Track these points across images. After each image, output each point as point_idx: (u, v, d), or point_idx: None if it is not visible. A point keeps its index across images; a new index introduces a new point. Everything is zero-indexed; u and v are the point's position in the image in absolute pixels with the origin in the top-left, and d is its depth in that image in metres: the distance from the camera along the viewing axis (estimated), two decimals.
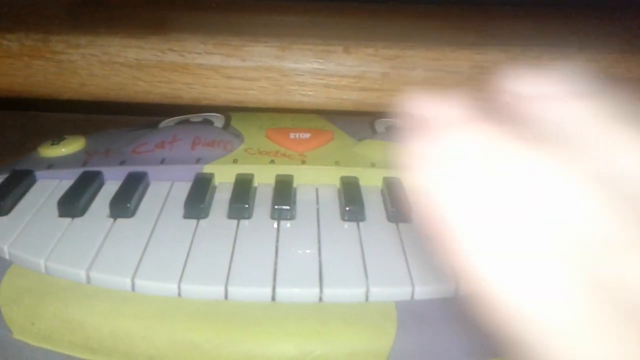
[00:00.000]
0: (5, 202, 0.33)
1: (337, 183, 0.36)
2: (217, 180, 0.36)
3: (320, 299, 0.27)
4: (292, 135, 0.40)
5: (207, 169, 0.37)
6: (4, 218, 0.32)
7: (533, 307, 0.13)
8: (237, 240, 0.31)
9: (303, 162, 0.37)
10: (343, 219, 0.33)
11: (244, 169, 0.37)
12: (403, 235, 0.31)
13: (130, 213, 0.32)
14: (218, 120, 0.43)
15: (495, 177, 0.14)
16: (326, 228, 0.32)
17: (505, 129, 0.15)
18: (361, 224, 0.32)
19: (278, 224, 0.32)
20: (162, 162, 0.37)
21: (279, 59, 0.37)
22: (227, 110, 0.45)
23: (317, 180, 0.36)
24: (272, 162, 0.37)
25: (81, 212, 0.33)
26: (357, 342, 0.25)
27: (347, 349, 0.25)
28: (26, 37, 0.37)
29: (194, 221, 0.32)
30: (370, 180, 0.36)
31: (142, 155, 0.38)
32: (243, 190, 0.34)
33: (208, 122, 0.43)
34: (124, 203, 0.33)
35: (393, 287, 0.27)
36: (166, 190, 0.35)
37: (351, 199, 0.34)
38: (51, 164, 0.38)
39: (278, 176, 0.36)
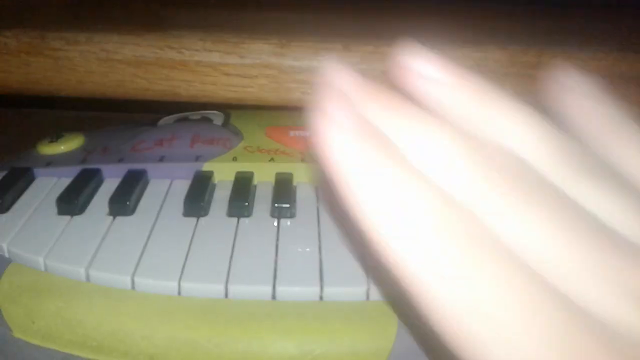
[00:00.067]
0: (4, 199, 0.33)
1: None
2: (216, 178, 0.36)
3: (321, 297, 0.27)
4: (291, 133, 0.40)
5: (206, 166, 0.36)
6: (3, 216, 0.32)
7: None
8: (237, 238, 0.31)
9: (303, 160, 0.37)
10: None
11: (243, 166, 0.37)
12: None
13: (129, 211, 0.32)
14: (217, 117, 0.43)
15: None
16: (326, 226, 0.32)
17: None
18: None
19: (278, 222, 0.32)
20: (161, 159, 0.37)
21: (279, 56, 0.37)
22: (226, 108, 0.44)
23: (316, 178, 0.36)
24: (272, 160, 0.37)
25: (80, 209, 0.33)
26: (358, 341, 0.25)
27: (347, 348, 0.25)
28: (24, 33, 0.37)
29: (193, 219, 0.32)
30: None
31: (141, 153, 0.38)
32: (243, 188, 0.34)
33: (207, 120, 0.43)
34: (124, 201, 0.32)
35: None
36: (165, 188, 0.35)
37: None
38: (50, 162, 0.37)
39: (278, 174, 0.36)
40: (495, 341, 0.12)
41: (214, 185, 0.35)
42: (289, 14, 0.43)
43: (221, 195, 0.34)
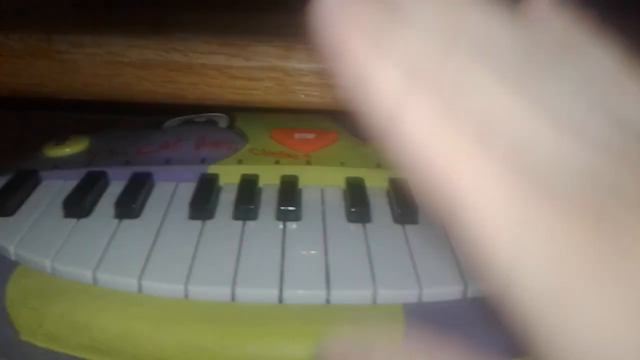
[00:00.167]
0: (11, 202, 0.33)
1: (343, 184, 0.36)
2: (221, 181, 0.36)
3: (328, 300, 0.27)
4: (297, 136, 0.40)
5: (211, 169, 0.36)
6: (9, 218, 0.32)
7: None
8: (243, 242, 0.31)
9: (308, 163, 0.37)
10: (349, 220, 0.33)
11: (248, 169, 0.37)
12: (410, 237, 0.31)
13: (135, 214, 0.32)
14: (222, 120, 0.43)
15: None
16: (332, 229, 0.32)
17: None
18: (367, 225, 0.32)
19: (284, 225, 0.32)
20: (167, 162, 0.37)
21: (284, 58, 0.37)
22: (231, 111, 0.44)
23: (322, 181, 0.36)
24: (277, 162, 0.37)
25: (87, 212, 0.33)
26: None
27: None
28: (30, 36, 0.37)
29: (199, 222, 0.32)
30: (375, 181, 0.36)
31: (147, 156, 0.38)
32: (248, 191, 0.34)
33: (212, 123, 0.43)
34: (130, 204, 0.32)
35: (400, 290, 0.27)
36: (171, 190, 0.35)
37: (357, 200, 0.34)
38: (56, 164, 0.37)
39: (283, 177, 0.36)
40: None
41: (219, 188, 0.35)
42: (294, 16, 0.43)
43: (227, 198, 0.34)
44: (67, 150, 0.39)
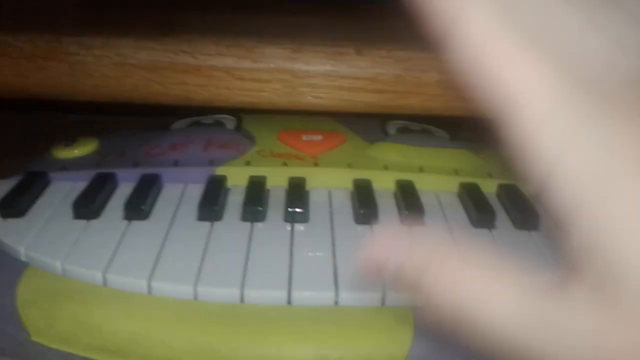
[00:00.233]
0: (21, 204, 0.33)
1: (350, 185, 0.36)
2: (229, 183, 0.36)
3: (336, 302, 0.27)
4: (304, 138, 0.40)
5: (219, 171, 0.37)
6: (19, 220, 0.32)
7: None
8: (252, 243, 0.31)
9: (315, 165, 0.37)
10: (356, 222, 0.33)
11: (256, 171, 0.37)
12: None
13: (144, 215, 0.33)
14: (229, 122, 0.43)
15: None
16: (340, 231, 0.32)
17: None
18: (375, 227, 0.32)
19: (292, 227, 0.32)
20: (175, 164, 0.37)
21: (292, 60, 0.37)
22: (238, 112, 0.45)
23: (329, 183, 0.36)
24: (285, 164, 0.38)
25: (96, 214, 0.33)
26: (374, 347, 0.25)
27: (363, 353, 0.25)
28: (39, 38, 0.37)
29: (208, 223, 0.32)
30: (383, 183, 0.36)
31: (155, 157, 0.38)
32: (256, 193, 0.34)
33: (219, 124, 0.43)
34: (139, 205, 0.33)
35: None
36: (179, 192, 0.35)
37: (364, 202, 0.34)
38: (65, 166, 0.38)
39: (291, 178, 0.36)
40: None
41: (227, 190, 0.36)
42: (301, 18, 0.43)
43: (235, 200, 0.34)
44: (76, 151, 0.39)
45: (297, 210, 0.33)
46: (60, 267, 0.29)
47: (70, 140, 0.40)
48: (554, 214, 0.14)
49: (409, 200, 0.34)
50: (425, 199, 0.35)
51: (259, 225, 0.32)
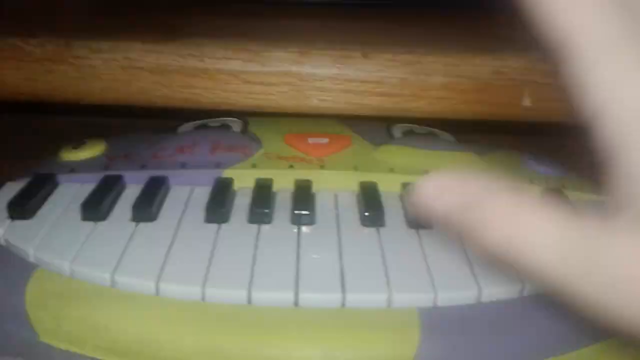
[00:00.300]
0: (29, 205, 0.33)
1: (356, 188, 0.36)
2: (236, 185, 0.36)
3: (343, 304, 0.27)
4: (310, 140, 0.40)
5: (226, 173, 0.37)
6: (28, 222, 0.33)
7: None
8: (259, 245, 0.31)
9: (322, 167, 0.38)
10: (363, 225, 0.33)
11: (262, 173, 0.37)
12: (424, 242, 0.31)
13: (152, 217, 0.33)
14: (236, 124, 0.44)
15: None
16: (346, 233, 0.32)
17: None
18: (381, 229, 0.32)
19: (298, 229, 0.32)
20: (182, 166, 0.37)
21: (298, 64, 0.37)
22: (244, 115, 0.45)
23: (335, 185, 0.37)
24: (291, 166, 0.38)
25: (104, 216, 0.33)
26: (381, 348, 0.26)
27: (371, 355, 0.25)
28: (48, 42, 0.38)
29: (215, 225, 0.32)
30: (389, 186, 0.36)
31: (163, 160, 0.38)
32: (263, 195, 0.35)
33: (226, 127, 0.43)
34: (147, 207, 0.33)
35: (415, 294, 0.27)
36: (186, 194, 0.36)
37: (371, 205, 0.34)
38: (73, 168, 0.38)
39: (297, 181, 0.36)
40: None
41: (234, 192, 0.36)
42: (308, 22, 0.44)
43: (241, 202, 0.34)
44: (84, 154, 0.39)
45: (304, 212, 0.33)
46: (69, 269, 0.29)
47: (78, 142, 0.40)
48: (601, 149, 0.14)
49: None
50: None
51: (265, 228, 0.32)
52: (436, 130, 0.44)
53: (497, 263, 0.16)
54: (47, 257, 0.30)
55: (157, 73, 0.37)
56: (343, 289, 0.27)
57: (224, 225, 0.32)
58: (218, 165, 0.37)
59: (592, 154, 0.15)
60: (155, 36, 0.38)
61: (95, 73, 0.37)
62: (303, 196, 0.35)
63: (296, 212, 0.33)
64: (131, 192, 0.35)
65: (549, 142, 0.39)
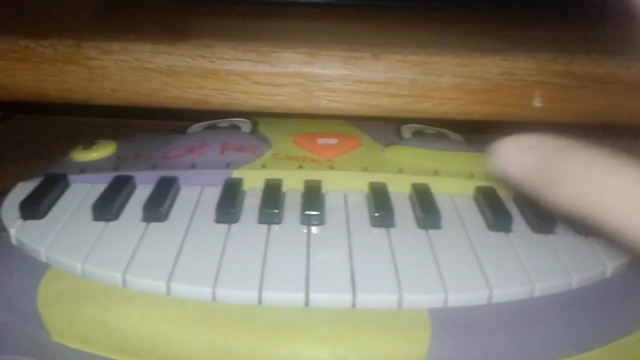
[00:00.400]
0: (41, 205, 0.34)
1: (366, 189, 0.36)
2: (246, 185, 0.37)
3: (353, 304, 0.27)
4: (319, 141, 0.40)
5: (236, 174, 0.37)
6: (40, 222, 0.33)
7: None
8: (269, 245, 0.31)
9: (331, 168, 0.38)
10: (372, 225, 0.33)
11: (272, 174, 0.37)
12: (434, 242, 0.31)
13: (163, 217, 0.33)
14: (245, 125, 0.44)
15: None
16: (356, 234, 0.32)
17: None
18: (391, 230, 0.32)
19: (308, 230, 0.32)
20: (192, 167, 0.38)
21: (308, 65, 0.37)
22: (253, 116, 0.45)
23: (345, 186, 0.37)
24: (301, 167, 0.38)
25: (115, 216, 0.33)
26: (391, 348, 0.26)
27: (381, 355, 0.25)
28: (60, 43, 0.38)
29: (225, 226, 0.32)
30: (398, 186, 0.36)
31: (173, 160, 0.38)
32: (273, 196, 0.35)
33: (235, 128, 0.43)
34: (157, 207, 0.33)
35: (426, 294, 0.27)
36: (196, 194, 0.36)
37: (380, 205, 0.34)
38: (84, 168, 0.38)
39: (307, 181, 0.36)
40: None
41: (244, 193, 0.36)
42: (318, 23, 0.44)
43: (251, 203, 0.35)
44: (95, 154, 0.40)
45: (314, 212, 0.33)
46: (80, 269, 0.29)
47: (89, 143, 0.40)
48: None
49: (424, 204, 0.34)
50: (441, 202, 0.35)
51: (275, 228, 0.33)
52: (445, 131, 0.44)
53: (573, 216, 0.16)
54: (58, 257, 0.30)
55: (168, 74, 0.37)
56: (353, 290, 0.28)
57: (234, 226, 0.33)
58: (228, 166, 0.38)
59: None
60: (166, 37, 0.38)
61: (106, 74, 0.38)
62: (313, 196, 0.35)
63: (306, 212, 0.33)
64: (142, 193, 0.35)
65: None
